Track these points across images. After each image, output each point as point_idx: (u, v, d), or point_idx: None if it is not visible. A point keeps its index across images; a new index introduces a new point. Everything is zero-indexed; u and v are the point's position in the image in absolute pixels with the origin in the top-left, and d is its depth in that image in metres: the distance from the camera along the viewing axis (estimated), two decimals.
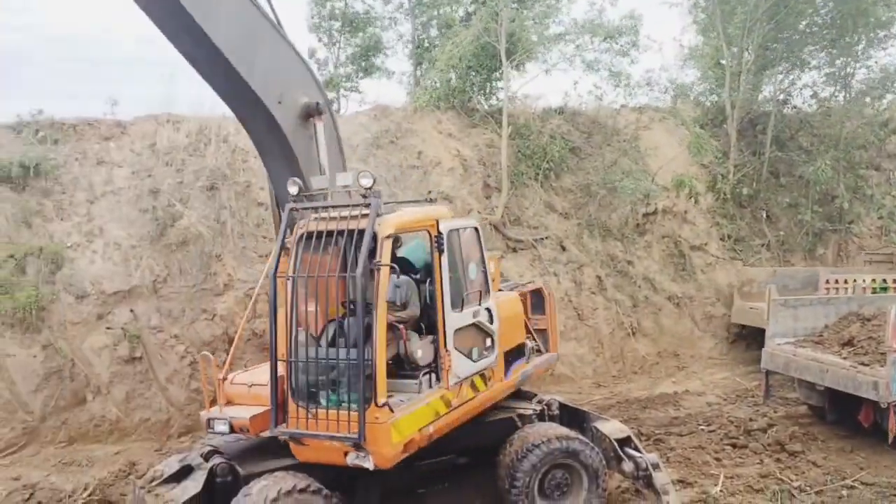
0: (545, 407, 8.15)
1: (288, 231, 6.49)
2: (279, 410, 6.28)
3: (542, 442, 7.43)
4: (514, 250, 12.67)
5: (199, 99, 13.28)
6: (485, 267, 7.17)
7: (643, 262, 14.34)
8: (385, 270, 6.11)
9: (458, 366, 6.76)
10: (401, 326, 6.69)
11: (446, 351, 6.65)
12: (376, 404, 5.97)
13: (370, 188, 6.21)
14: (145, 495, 7.04)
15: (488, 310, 7.15)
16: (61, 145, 11.48)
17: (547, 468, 7.42)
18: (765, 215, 16.53)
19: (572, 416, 8.28)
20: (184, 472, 7.31)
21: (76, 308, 10.09)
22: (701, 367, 13.62)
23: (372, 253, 6.12)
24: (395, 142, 13.32)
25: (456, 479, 7.90)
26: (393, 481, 7.57)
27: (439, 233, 6.66)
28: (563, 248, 13.31)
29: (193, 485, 6.89)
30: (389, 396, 6.30)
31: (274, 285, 6.30)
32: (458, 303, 6.77)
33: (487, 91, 15.07)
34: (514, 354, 7.77)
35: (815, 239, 16.41)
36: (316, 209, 6.50)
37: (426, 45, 16.42)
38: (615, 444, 7.91)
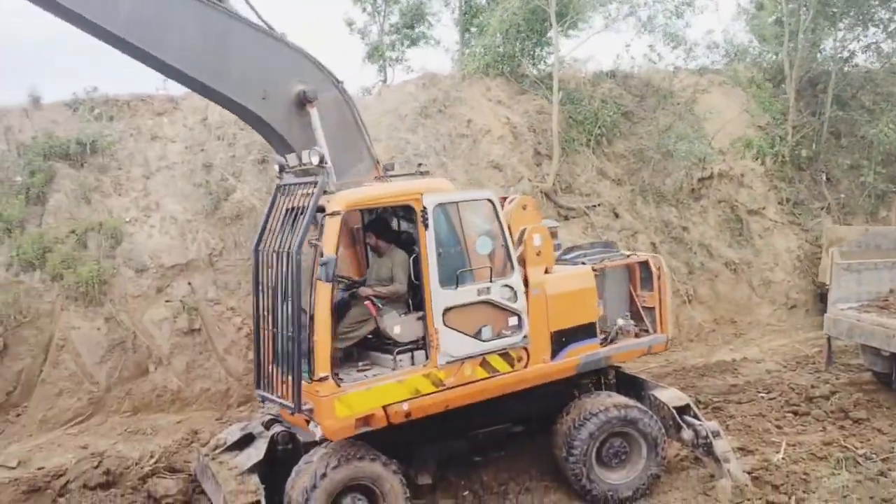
0: (602, 375, 8.09)
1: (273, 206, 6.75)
2: (259, 374, 6.80)
3: (600, 410, 7.38)
4: (567, 218, 12.50)
5: None
6: (505, 240, 6.85)
7: (699, 227, 14.03)
8: (328, 245, 6.17)
9: (452, 345, 6.62)
10: (368, 303, 6.70)
11: (435, 329, 6.56)
12: (314, 378, 6.23)
13: (319, 165, 6.44)
14: (210, 462, 7.25)
15: (509, 286, 6.85)
16: (116, 122, 11.68)
17: (605, 436, 7.39)
18: (825, 178, 15.99)
19: (629, 385, 8.17)
20: (246, 441, 7.50)
21: (136, 281, 10.31)
22: (759, 334, 13.34)
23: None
24: (443, 110, 13.20)
25: (512, 447, 7.93)
26: (449, 449, 7.65)
27: (424, 207, 6.51)
28: (617, 216, 13.09)
29: (256, 452, 7.06)
30: (365, 368, 6.65)
31: (256, 258, 6.66)
32: (451, 280, 6.59)
33: (536, 56, 14.79)
34: (574, 335, 7.35)
35: (878, 201, 15.81)
36: (285, 187, 6.73)
37: (473, 11, 16.15)
38: (674, 412, 7.82)
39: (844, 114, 16.27)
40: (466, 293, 6.69)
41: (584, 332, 7.42)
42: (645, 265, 8.11)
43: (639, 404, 7.60)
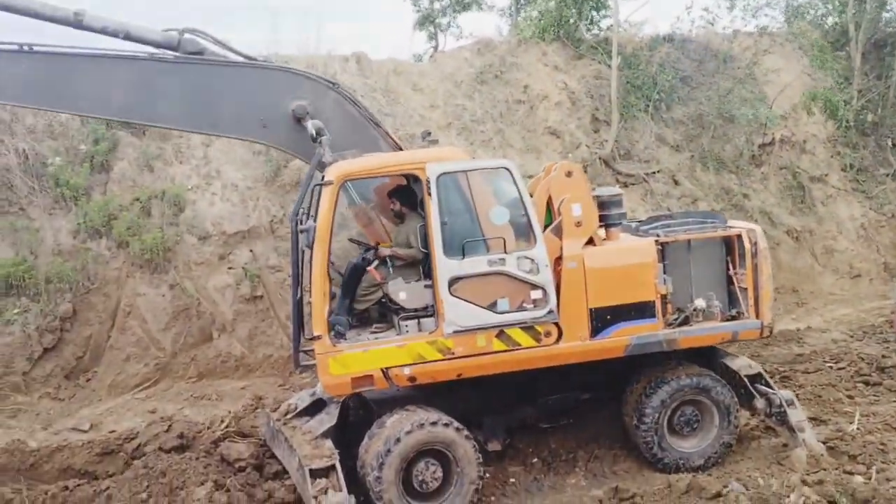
0: None
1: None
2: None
3: (672, 378, 7.27)
4: (625, 185, 12.27)
5: (304, 39, 13.31)
6: (525, 211, 6.61)
7: (759, 195, 13.69)
8: (322, 214, 6.40)
9: (460, 315, 6.53)
10: (370, 269, 6.88)
11: (441, 298, 6.51)
12: (306, 336, 6.78)
13: (314, 138, 6.71)
14: (282, 427, 7.31)
15: (529, 258, 6.60)
16: None
17: (677, 404, 7.27)
18: (890, 143, 15.46)
19: (699, 353, 8.02)
20: (316, 406, 7.55)
21: (199, 249, 10.42)
22: (822, 304, 13.02)
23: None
24: (499, 76, 13.01)
25: (580, 414, 7.87)
26: (518, 416, 7.63)
27: (427, 177, 6.46)
28: (676, 182, 12.83)
29: (328, 418, 7.10)
30: (378, 331, 6.88)
31: (294, 226, 6.82)
32: (457, 250, 6.48)
33: (592, 20, 14.43)
34: (622, 314, 6.91)
35: None
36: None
37: None
38: (745, 380, 7.67)
39: None
40: (475, 264, 6.53)
41: (638, 310, 6.94)
42: (739, 239, 7.33)
43: (711, 372, 7.46)
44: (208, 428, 8.31)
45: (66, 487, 8.17)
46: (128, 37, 6.87)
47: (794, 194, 14.05)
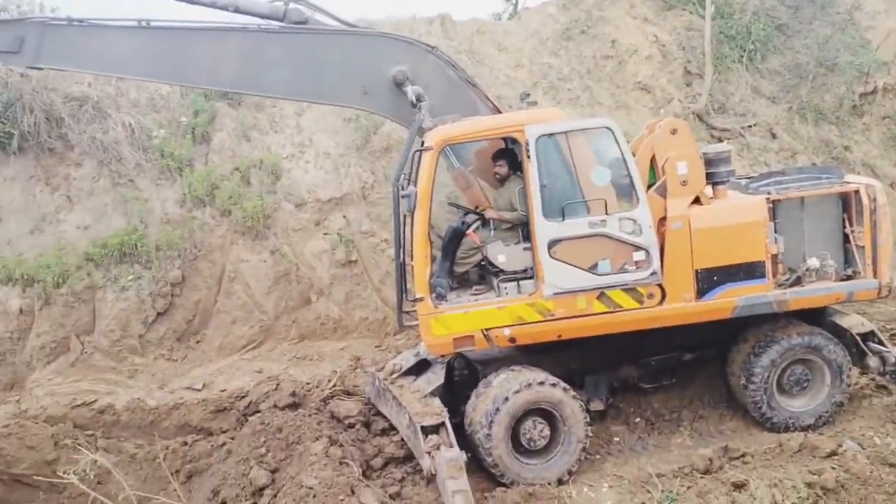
0: None
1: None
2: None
3: (783, 337, 7.14)
4: (720, 140, 11.91)
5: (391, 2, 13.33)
6: (628, 171, 6.54)
7: (861, 146, 13.07)
8: (423, 179, 6.51)
9: (559, 277, 6.55)
10: (470, 232, 7.01)
11: (540, 260, 6.52)
12: (408, 298, 7.01)
13: (414, 104, 6.76)
14: (389, 386, 7.55)
15: (631, 219, 6.54)
16: None
17: (787, 364, 7.15)
18: None
19: (809, 311, 7.82)
20: (420, 366, 7.77)
21: (296, 215, 10.71)
22: None
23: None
24: (586, 31, 12.74)
25: (682, 375, 7.83)
26: (620, 376, 7.66)
27: (526, 139, 6.44)
28: (774, 136, 12.37)
29: (436, 377, 7.31)
30: (478, 293, 7.03)
31: (395, 192, 6.87)
32: (556, 212, 6.47)
33: None
34: (730, 274, 6.78)
35: None
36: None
37: None
38: (857, 338, 7.47)
39: None
40: (575, 226, 6.52)
41: (747, 271, 6.78)
42: (857, 195, 7.00)
43: (823, 331, 7.29)
44: (317, 387, 8.64)
45: (185, 443, 8.68)
46: (237, 10, 7.06)
47: None
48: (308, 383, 8.91)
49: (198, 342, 10.38)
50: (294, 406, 8.18)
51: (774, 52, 13.31)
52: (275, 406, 8.16)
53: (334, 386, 8.66)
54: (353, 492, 6.13)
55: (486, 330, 6.69)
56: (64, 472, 7.04)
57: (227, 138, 10.98)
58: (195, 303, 10.36)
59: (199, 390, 9.40)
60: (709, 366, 7.82)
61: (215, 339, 10.34)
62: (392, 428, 7.60)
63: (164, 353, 10.18)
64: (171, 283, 10.16)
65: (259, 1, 7.22)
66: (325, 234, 10.74)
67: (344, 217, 10.86)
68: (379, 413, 7.94)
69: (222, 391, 9.20)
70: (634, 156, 6.76)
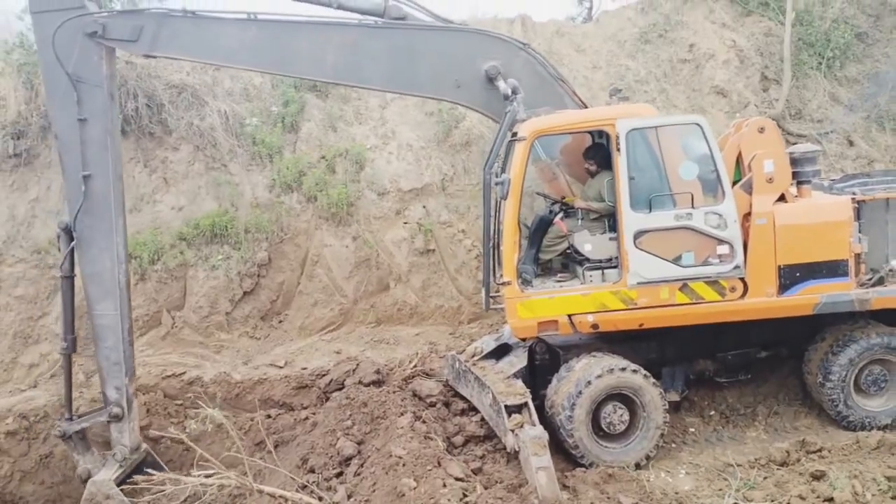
0: None
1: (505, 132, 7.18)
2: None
3: (861, 337, 7.24)
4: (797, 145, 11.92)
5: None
6: (715, 166, 6.75)
7: None
8: (515, 168, 6.81)
9: (644, 267, 6.79)
10: (557, 220, 7.34)
11: (625, 250, 6.74)
12: (499, 282, 7.20)
13: (507, 96, 7.02)
14: (472, 367, 7.86)
15: (717, 213, 6.74)
16: None
17: (865, 363, 7.24)
18: None
19: (888, 312, 7.87)
20: (501, 350, 8.07)
21: (378, 204, 11.12)
22: None
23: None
24: (664, 35, 12.90)
25: (758, 371, 7.96)
26: (697, 369, 7.83)
27: (616, 133, 6.69)
28: (851, 143, 12.33)
29: (518, 360, 7.60)
30: (563, 280, 7.31)
31: (488, 179, 7.15)
32: (643, 204, 6.70)
33: None
34: (813, 271, 6.93)
35: None
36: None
37: None
38: None
39: None
40: (662, 218, 6.77)
41: (830, 269, 6.93)
42: None
43: None
44: (398, 366, 9.01)
45: (269, 416, 9.16)
46: (340, 6, 7.48)
47: None
48: (387, 365, 9.29)
49: (280, 322, 10.86)
50: (378, 383, 8.57)
51: (853, 60, 13.23)
52: (360, 382, 8.55)
53: (415, 366, 9.02)
54: (439, 463, 6.45)
55: (571, 315, 6.97)
56: (181, 428, 7.52)
57: (315, 128, 11.45)
58: (279, 284, 10.85)
59: (282, 367, 9.84)
60: (784, 363, 7.94)
61: (297, 319, 10.81)
62: (471, 409, 7.89)
63: (248, 330, 10.69)
64: (257, 263, 10.67)
65: None
66: (405, 222, 11.12)
67: (424, 207, 11.22)
68: (457, 395, 8.25)
69: (303, 369, 9.62)
70: (721, 153, 6.95)
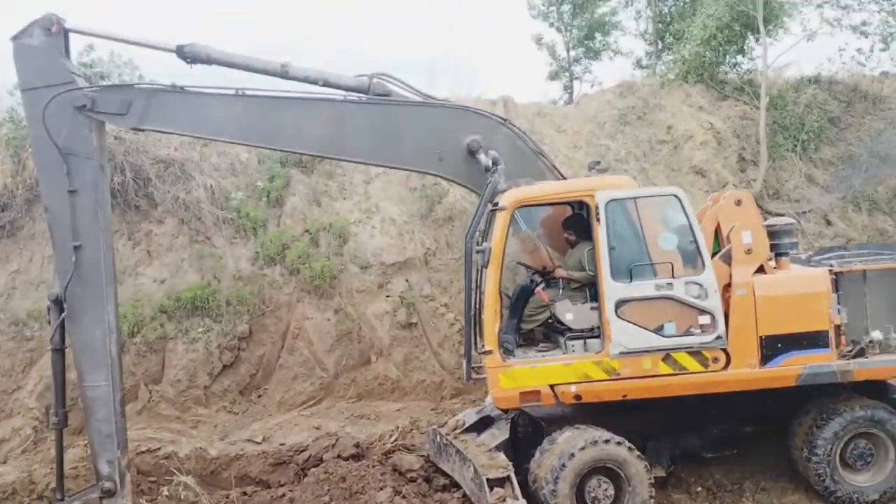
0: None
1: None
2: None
3: (845, 410, 7.18)
4: None
5: (457, 84, 14.02)
6: (694, 237, 6.80)
7: None
8: (496, 237, 6.89)
9: (626, 337, 6.76)
10: (538, 290, 7.28)
11: (607, 320, 6.74)
12: (480, 351, 7.12)
13: (489, 168, 7.15)
14: (452, 440, 7.70)
15: (697, 283, 6.76)
16: None
17: (850, 437, 7.15)
18: None
19: (869, 387, 7.85)
20: (483, 423, 7.93)
21: (361, 277, 11.13)
22: None
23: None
24: (642, 117, 13.32)
25: (744, 446, 7.84)
26: (682, 444, 7.70)
27: (596, 204, 6.79)
28: (829, 223, 12.61)
29: (500, 433, 7.47)
30: (545, 350, 7.23)
31: (468, 248, 7.14)
32: (624, 273, 6.74)
33: (737, 62, 14.54)
34: (794, 342, 6.87)
35: None
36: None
37: (668, 19, 16.16)
38: None
39: None
40: (642, 287, 6.76)
41: (811, 340, 6.88)
42: None
43: (885, 405, 7.31)
44: (379, 440, 8.82)
45: (245, 493, 8.84)
46: (326, 83, 7.64)
47: None
48: (367, 440, 9.09)
49: (259, 396, 10.68)
50: (357, 457, 8.37)
51: (827, 143, 13.68)
52: (338, 456, 8.35)
53: (395, 441, 8.83)
54: None
55: (553, 386, 6.88)
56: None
57: (299, 202, 11.57)
58: (259, 357, 10.72)
59: (259, 443, 9.61)
60: (770, 438, 7.83)
61: (276, 393, 10.63)
62: (453, 485, 7.69)
63: (226, 405, 10.49)
64: (238, 336, 10.57)
65: (345, 75, 7.83)
66: (388, 296, 11.11)
67: (406, 281, 11.24)
68: (439, 470, 8.06)
69: (281, 445, 9.41)
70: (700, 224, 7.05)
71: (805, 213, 12.54)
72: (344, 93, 7.71)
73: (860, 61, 14.45)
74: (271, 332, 10.80)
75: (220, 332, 10.49)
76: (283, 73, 7.55)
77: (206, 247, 10.97)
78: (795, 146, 13.32)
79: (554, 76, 17.40)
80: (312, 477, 8.01)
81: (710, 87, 14.04)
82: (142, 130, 8.27)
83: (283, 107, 7.51)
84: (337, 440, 9.10)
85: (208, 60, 7.38)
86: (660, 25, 16.27)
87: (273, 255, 10.96)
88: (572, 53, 17.33)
